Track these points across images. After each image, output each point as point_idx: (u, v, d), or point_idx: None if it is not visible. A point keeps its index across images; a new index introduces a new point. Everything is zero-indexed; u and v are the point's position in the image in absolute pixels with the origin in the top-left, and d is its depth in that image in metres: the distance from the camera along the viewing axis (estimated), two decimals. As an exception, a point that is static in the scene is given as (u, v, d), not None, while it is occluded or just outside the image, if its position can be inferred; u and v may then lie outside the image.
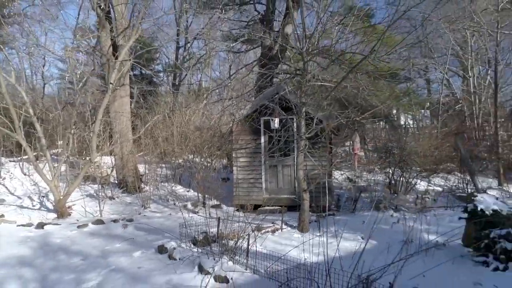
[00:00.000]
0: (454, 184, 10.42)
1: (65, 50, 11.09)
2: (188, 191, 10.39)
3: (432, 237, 4.91)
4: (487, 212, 4.33)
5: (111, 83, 8.59)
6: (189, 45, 21.80)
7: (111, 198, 9.39)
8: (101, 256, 5.17)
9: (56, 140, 11.20)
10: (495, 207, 4.36)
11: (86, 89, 9.58)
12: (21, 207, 8.20)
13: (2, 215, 7.48)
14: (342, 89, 7.21)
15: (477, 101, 15.95)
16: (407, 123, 20.53)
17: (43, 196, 8.92)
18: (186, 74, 21.09)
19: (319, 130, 6.85)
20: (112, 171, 10.64)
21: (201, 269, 4.30)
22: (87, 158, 8.87)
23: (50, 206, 8.42)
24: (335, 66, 6.43)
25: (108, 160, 11.40)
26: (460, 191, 9.58)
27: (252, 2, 14.45)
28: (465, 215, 4.71)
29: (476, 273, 4.13)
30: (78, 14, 9.91)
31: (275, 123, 7.74)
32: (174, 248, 5.05)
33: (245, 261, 4.53)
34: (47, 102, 13.99)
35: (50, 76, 21.41)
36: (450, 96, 19.98)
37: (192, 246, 5.21)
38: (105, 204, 8.45)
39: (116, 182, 10.60)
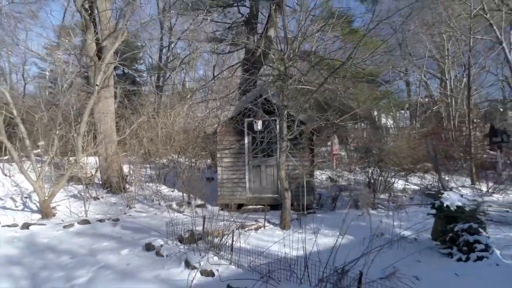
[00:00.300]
0: (430, 183, 10.90)
1: (52, 52, 11.04)
2: (172, 191, 10.50)
3: (404, 232, 5.27)
4: (452, 208, 4.71)
5: (96, 85, 8.65)
6: (173, 45, 21.78)
7: (96, 198, 9.44)
8: (89, 255, 5.30)
9: (37, 141, 11.12)
10: (459, 203, 4.73)
11: (71, 90, 9.58)
12: (4, 208, 8.16)
13: (-14, 216, 7.47)
14: (322, 93, 7.52)
15: (454, 102, 16.64)
16: (387, 123, 21.07)
17: (27, 197, 8.89)
18: (170, 75, 21.08)
19: (300, 131, 7.14)
20: (96, 171, 10.67)
21: (188, 264, 4.52)
22: (72, 159, 8.90)
23: (34, 207, 8.42)
24: (315, 70, 6.72)
25: (92, 160, 11.39)
26: (436, 189, 10.04)
27: (236, 4, 14.61)
28: (433, 211, 5.09)
29: (441, 264, 4.51)
30: (64, 16, 9.94)
31: (258, 125, 7.97)
32: (161, 246, 5.23)
33: (229, 256, 4.77)
34: (28, 102, 13.81)
35: (32, 76, 21.08)
36: (428, 98, 20.69)
37: (179, 243, 5.40)
38: (90, 205, 8.50)
39: (101, 182, 10.63)
